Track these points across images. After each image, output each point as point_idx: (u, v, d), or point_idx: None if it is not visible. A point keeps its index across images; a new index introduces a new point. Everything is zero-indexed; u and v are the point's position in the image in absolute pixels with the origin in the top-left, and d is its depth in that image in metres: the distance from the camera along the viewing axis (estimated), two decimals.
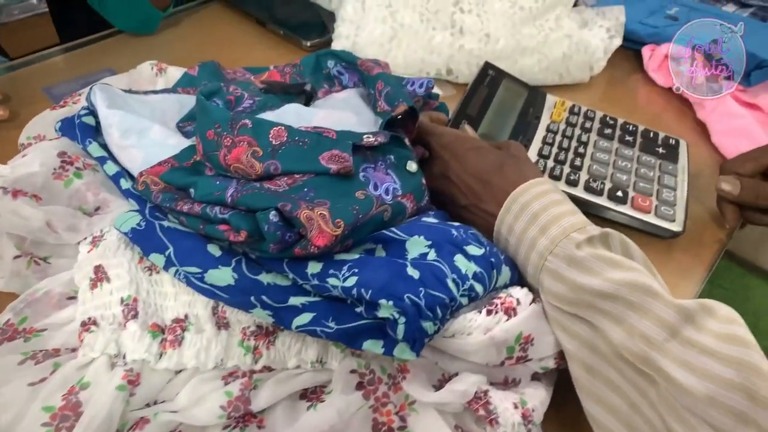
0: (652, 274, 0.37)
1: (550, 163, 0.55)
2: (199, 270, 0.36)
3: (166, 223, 0.39)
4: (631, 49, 0.78)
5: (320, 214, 0.34)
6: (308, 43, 0.71)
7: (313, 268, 0.35)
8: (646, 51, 0.76)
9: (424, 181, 0.42)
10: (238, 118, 0.40)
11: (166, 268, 0.37)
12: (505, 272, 0.38)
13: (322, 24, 0.72)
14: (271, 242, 0.34)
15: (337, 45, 0.67)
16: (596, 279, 0.34)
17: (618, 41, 0.72)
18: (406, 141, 0.43)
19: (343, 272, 0.34)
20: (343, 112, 0.46)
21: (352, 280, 0.34)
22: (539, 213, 0.38)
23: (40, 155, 0.44)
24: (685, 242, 0.54)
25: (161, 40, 0.72)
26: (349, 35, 0.67)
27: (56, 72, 0.65)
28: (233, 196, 0.36)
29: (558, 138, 0.58)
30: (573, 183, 0.53)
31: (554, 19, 0.70)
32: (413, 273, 0.34)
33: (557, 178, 0.53)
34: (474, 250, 0.37)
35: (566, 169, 0.55)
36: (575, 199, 0.52)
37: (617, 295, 0.34)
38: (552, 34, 0.69)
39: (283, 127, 0.39)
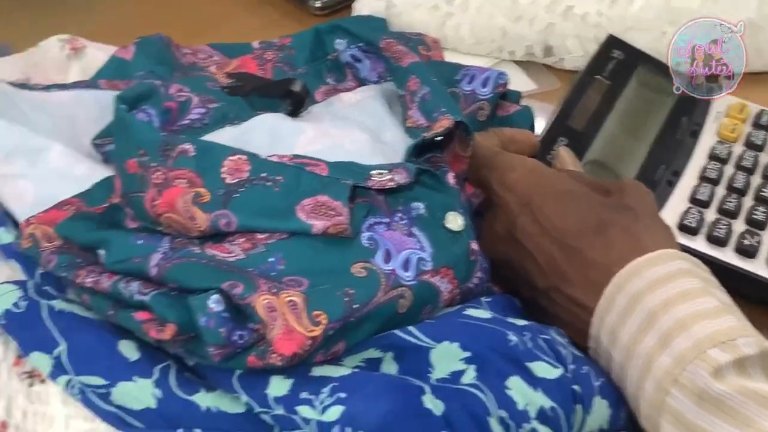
0: None
1: (711, 215, 0.40)
2: (104, 382, 0.30)
3: (59, 304, 0.32)
4: None
5: (290, 301, 0.28)
6: (318, 3, 0.55)
7: (278, 388, 0.28)
8: None
9: (475, 246, 0.33)
10: (175, 141, 0.32)
11: (53, 376, 0.30)
12: (599, 409, 0.30)
13: None
14: (212, 344, 0.28)
15: (361, 7, 0.51)
16: None
17: None
18: (449, 179, 0.35)
19: (322, 398, 0.28)
20: (347, 130, 0.37)
21: (334, 413, 0.27)
22: (658, 312, 0.30)
23: None
24: None
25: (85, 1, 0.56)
26: None
27: None
28: (160, 266, 0.29)
29: (728, 171, 0.42)
30: (749, 252, 0.37)
31: None
32: (434, 406, 0.28)
33: (721, 244, 0.38)
34: (544, 369, 0.30)
35: (739, 227, 0.39)
36: (757, 282, 0.37)
37: None
38: None
39: (244, 157, 0.32)
